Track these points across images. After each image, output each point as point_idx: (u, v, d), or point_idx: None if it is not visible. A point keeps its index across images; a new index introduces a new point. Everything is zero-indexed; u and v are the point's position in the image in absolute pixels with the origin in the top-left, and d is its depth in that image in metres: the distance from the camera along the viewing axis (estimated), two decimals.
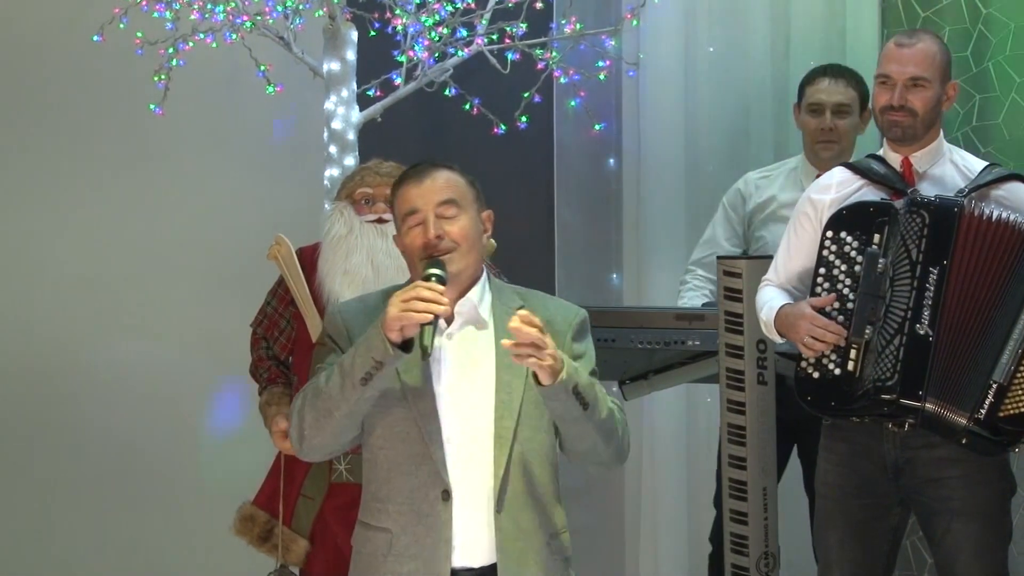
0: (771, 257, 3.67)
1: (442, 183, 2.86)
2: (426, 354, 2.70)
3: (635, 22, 4.54)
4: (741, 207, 4.35)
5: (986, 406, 3.24)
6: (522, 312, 2.73)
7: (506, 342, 2.70)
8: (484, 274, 2.94)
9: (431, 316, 2.69)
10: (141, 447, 5.12)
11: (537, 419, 2.86)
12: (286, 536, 3.73)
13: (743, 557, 3.89)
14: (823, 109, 4.23)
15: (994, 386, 3.24)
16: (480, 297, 2.89)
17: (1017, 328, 3.24)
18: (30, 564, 5.12)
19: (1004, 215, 3.30)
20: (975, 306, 3.29)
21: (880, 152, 3.55)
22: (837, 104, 4.23)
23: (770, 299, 3.50)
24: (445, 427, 2.82)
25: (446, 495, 2.80)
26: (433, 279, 2.75)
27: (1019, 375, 3.23)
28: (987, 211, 3.30)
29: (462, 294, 2.87)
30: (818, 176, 4.16)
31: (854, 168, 3.53)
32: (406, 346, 2.72)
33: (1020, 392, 3.23)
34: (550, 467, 2.91)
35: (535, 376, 2.73)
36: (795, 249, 3.53)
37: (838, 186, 3.51)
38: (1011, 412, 3.23)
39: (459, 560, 2.83)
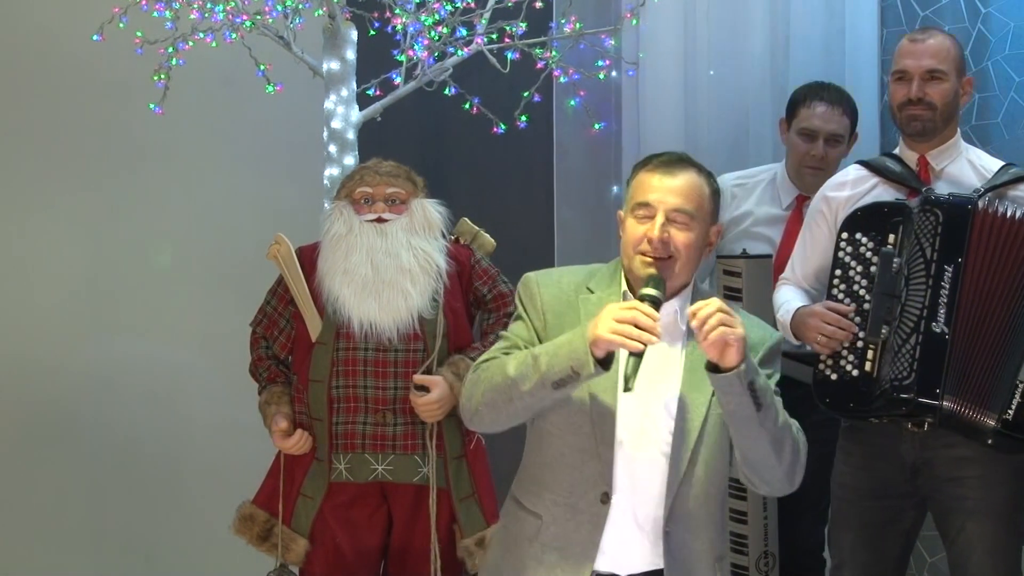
0: (771, 256, 3.67)
1: (686, 188, 2.76)
2: (629, 387, 2.59)
3: (635, 21, 4.53)
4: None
5: (1014, 406, 3.21)
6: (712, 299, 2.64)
7: (693, 309, 2.60)
8: (692, 284, 2.83)
9: (642, 347, 2.57)
10: (140, 446, 5.13)
11: (719, 439, 2.78)
12: (286, 535, 3.73)
13: (743, 556, 3.90)
14: (816, 136, 4.11)
15: (1021, 387, 3.22)
16: (682, 307, 2.77)
17: None
18: (30, 563, 5.12)
19: (1020, 213, 3.28)
20: (992, 303, 3.26)
21: (896, 151, 3.53)
22: (831, 133, 4.11)
23: (786, 300, 3.48)
24: (619, 431, 2.75)
25: (605, 497, 2.75)
26: (647, 301, 2.63)
27: None
28: (1002, 209, 3.28)
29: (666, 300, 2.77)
30: (797, 196, 4.12)
31: (869, 166, 3.50)
32: (606, 361, 2.62)
33: None
34: (723, 490, 2.84)
35: (711, 365, 2.62)
36: (811, 247, 3.52)
37: (853, 183, 3.49)
38: None
39: (604, 565, 2.77)
